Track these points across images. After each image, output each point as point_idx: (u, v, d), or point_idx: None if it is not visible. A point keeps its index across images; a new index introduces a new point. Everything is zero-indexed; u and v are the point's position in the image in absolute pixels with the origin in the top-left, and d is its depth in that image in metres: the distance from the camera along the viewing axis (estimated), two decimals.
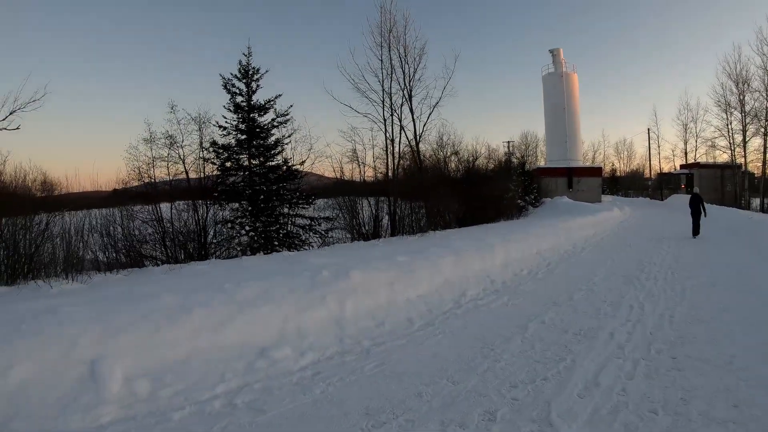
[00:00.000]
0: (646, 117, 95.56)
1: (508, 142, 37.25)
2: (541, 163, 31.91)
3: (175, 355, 3.58)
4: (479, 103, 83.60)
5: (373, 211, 11.17)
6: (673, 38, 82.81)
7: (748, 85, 24.38)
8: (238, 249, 9.17)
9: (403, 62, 13.83)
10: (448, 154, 15.10)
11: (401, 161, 13.36)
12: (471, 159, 15.80)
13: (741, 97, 24.95)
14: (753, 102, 24.19)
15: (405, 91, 13.74)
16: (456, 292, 6.05)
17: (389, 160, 12.70)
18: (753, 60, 35.32)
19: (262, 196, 9.39)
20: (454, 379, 3.48)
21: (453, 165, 14.99)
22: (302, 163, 10.43)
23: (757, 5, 54.93)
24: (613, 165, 51.49)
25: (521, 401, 3.10)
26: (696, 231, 12.22)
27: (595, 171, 29.71)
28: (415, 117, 13.88)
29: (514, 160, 24.01)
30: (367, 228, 11.09)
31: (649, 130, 37.78)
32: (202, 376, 3.46)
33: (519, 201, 17.50)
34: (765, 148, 23.56)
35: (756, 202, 26.03)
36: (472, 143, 32.74)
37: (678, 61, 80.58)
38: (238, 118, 9.67)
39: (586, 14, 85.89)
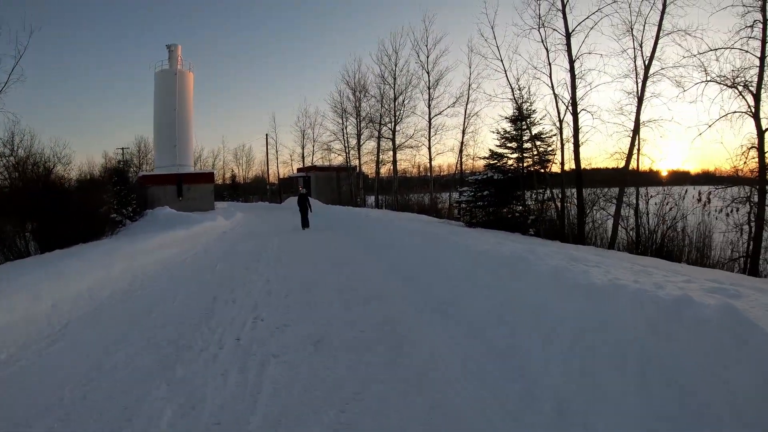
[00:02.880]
0: (265, 124, 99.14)
1: (123, 149, 34.01)
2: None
3: None
4: (94, 104, 73.17)
5: None
6: (293, 50, 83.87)
7: (366, 92, 26.61)
8: None
9: None
10: (19, 159, 12.03)
11: None
12: (48, 166, 12.43)
13: (357, 104, 27.15)
14: (369, 108, 26.65)
15: None
16: None
17: None
18: (372, 69, 38.81)
19: None
20: None
21: (28, 174, 11.64)
22: None
23: (380, 25, 58.24)
24: (233, 171, 51.17)
25: None
26: (305, 224, 13.76)
27: (207, 177, 27.86)
28: None
29: (132, 168, 21.98)
30: None
31: (267, 135, 38.61)
32: None
33: (114, 215, 14.63)
34: (378, 149, 26.23)
35: (371, 199, 28.40)
36: (51, 145, 26.62)
37: (298, 71, 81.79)
38: None
39: (208, 18, 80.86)
